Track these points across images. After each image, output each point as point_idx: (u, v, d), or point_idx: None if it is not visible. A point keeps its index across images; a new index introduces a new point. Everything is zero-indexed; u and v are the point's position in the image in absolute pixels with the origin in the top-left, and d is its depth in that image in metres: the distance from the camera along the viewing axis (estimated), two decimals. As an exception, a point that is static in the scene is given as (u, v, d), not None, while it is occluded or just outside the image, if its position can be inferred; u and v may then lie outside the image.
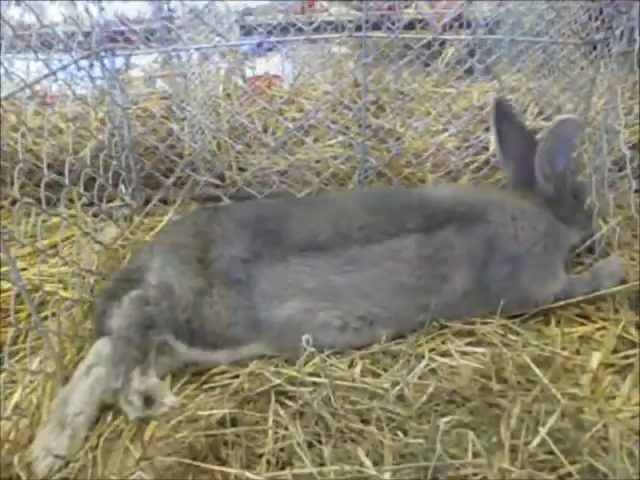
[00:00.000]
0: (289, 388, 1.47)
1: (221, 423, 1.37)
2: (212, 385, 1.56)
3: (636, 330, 1.67)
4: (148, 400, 1.48)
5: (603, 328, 1.71)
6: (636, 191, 1.79)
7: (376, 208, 1.78)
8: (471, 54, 2.42)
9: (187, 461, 1.27)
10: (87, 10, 2.15)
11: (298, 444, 1.32)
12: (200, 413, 1.40)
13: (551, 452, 1.23)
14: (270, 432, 1.36)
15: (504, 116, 2.00)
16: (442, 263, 1.68)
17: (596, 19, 2.18)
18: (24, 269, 2.00)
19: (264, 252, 1.67)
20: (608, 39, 2.08)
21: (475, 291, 1.70)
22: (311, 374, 1.51)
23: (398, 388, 1.47)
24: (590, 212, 1.96)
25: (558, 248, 1.83)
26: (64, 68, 1.95)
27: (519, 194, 1.93)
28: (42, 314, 1.68)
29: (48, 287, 1.70)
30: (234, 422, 1.37)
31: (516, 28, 2.99)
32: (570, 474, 1.19)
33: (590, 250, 2.00)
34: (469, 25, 3.14)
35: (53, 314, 1.67)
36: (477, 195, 1.93)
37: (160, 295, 1.61)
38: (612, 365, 1.58)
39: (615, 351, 1.62)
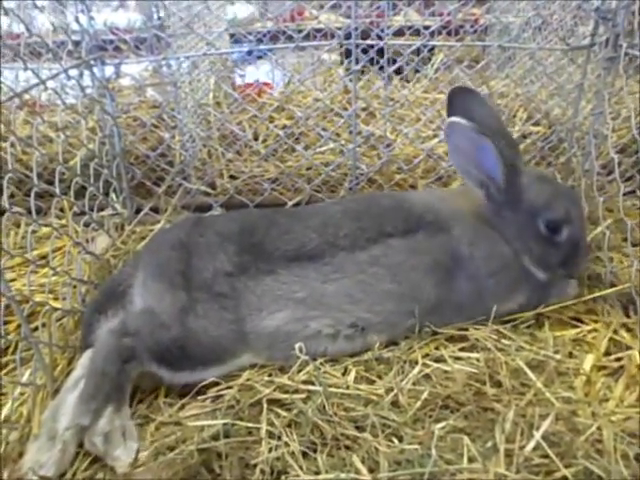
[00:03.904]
0: (282, 397, 1.46)
1: (214, 435, 1.35)
2: (204, 397, 1.53)
3: (627, 332, 1.68)
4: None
5: (595, 330, 1.72)
6: (625, 194, 1.81)
7: (358, 214, 1.74)
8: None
9: None
10: (77, 19, 2.15)
11: (292, 453, 1.31)
12: (191, 424, 1.39)
13: (546, 456, 1.23)
14: (264, 442, 1.34)
15: (458, 108, 1.76)
16: (415, 269, 1.66)
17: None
18: (14, 280, 1.99)
19: (249, 264, 1.63)
20: (594, 45, 2.11)
21: (444, 301, 1.68)
22: (305, 382, 1.50)
23: (392, 394, 1.47)
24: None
25: (504, 268, 1.71)
26: (54, 77, 1.94)
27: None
28: (32, 325, 1.67)
29: (38, 298, 1.68)
30: (227, 433, 1.35)
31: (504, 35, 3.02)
32: (565, 478, 1.19)
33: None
34: (457, 32, 3.17)
35: (43, 325, 1.65)
36: (442, 208, 1.78)
37: (141, 322, 1.56)
38: (605, 367, 1.59)
39: (607, 353, 1.63)
